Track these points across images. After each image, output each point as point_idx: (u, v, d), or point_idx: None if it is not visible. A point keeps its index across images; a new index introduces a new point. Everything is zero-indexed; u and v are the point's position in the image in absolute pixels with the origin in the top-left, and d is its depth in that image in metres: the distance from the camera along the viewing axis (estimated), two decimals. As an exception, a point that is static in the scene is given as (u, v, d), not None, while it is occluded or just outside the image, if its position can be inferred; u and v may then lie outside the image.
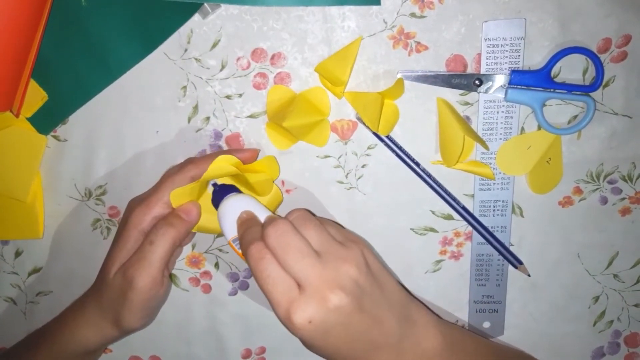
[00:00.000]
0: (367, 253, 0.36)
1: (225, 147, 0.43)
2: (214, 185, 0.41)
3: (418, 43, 0.39)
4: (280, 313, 0.33)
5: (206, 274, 0.47)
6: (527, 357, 0.46)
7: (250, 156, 0.41)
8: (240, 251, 0.37)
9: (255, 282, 0.34)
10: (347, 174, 0.43)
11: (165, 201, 0.39)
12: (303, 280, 0.33)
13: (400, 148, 0.41)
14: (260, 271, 0.33)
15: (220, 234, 0.45)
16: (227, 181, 0.41)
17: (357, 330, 0.34)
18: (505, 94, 0.39)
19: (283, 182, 0.43)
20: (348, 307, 0.33)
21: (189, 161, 0.41)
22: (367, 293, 0.34)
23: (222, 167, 0.38)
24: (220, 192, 0.40)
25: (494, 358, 0.41)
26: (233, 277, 0.47)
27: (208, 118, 0.42)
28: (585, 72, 0.40)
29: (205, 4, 0.38)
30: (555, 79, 0.40)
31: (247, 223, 0.37)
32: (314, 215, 0.37)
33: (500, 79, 0.39)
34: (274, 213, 0.39)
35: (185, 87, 0.41)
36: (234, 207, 0.38)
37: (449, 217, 0.44)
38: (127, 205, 0.42)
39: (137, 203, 0.40)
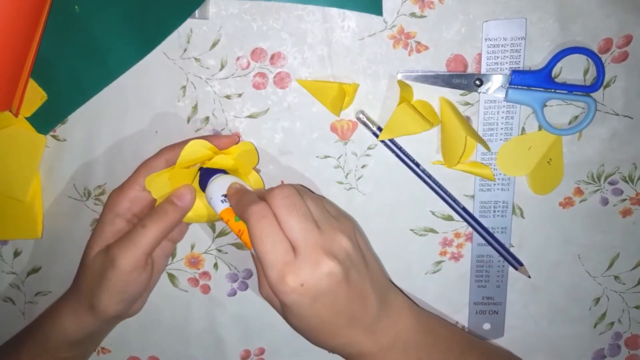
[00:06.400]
0: (357, 230, 0.38)
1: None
2: (200, 169, 0.40)
3: (418, 43, 0.39)
4: (273, 275, 0.33)
5: (205, 274, 0.46)
6: (508, 355, 0.46)
7: (228, 142, 0.41)
8: (233, 221, 0.37)
9: (251, 242, 0.34)
10: (347, 174, 0.43)
11: (139, 183, 0.39)
12: (301, 244, 0.33)
13: (400, 148, 0.41)
14: (260, 229, 0.33)
15: (210, 223, 0.44)
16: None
17: (343, 301, 0.34)
18: (506, 94, 0.39)
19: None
20: (339, 276, 0.33)
21: (165, 147, 0.40)
22: (356, 266, 0.35)
23: (195, 151, 0.38)
24: (208, 173, 0.39)
25: (467, 346, 0.41)
26: (232, 278, 0.46)
27: (207, 118, 0.42)
28: (586, 72, 0.39)
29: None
30: (556, 79, 0.39)
31: (242, 190, 0.37)
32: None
33: (500, 79, 0.39)
34: None
35: (184, 87, 0.41)
36: (223, 184, 0.38)
37: (449, 218, 0.44)
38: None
39: (115, 189, 0.40)
